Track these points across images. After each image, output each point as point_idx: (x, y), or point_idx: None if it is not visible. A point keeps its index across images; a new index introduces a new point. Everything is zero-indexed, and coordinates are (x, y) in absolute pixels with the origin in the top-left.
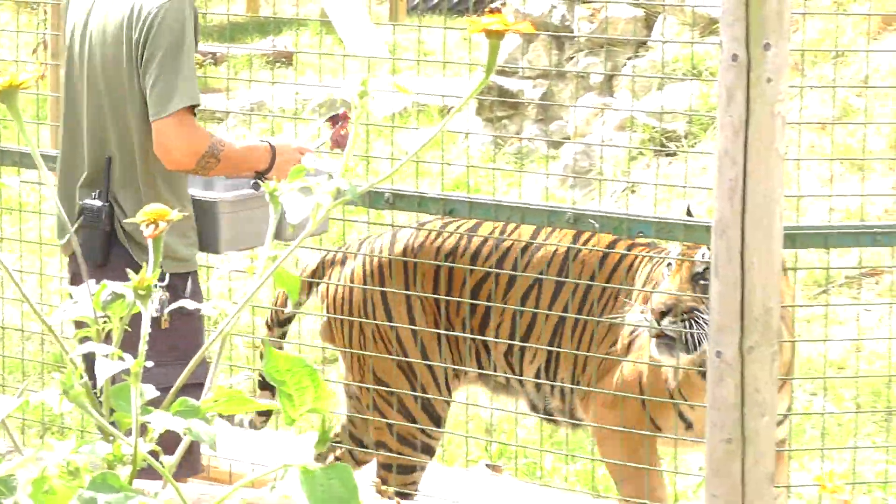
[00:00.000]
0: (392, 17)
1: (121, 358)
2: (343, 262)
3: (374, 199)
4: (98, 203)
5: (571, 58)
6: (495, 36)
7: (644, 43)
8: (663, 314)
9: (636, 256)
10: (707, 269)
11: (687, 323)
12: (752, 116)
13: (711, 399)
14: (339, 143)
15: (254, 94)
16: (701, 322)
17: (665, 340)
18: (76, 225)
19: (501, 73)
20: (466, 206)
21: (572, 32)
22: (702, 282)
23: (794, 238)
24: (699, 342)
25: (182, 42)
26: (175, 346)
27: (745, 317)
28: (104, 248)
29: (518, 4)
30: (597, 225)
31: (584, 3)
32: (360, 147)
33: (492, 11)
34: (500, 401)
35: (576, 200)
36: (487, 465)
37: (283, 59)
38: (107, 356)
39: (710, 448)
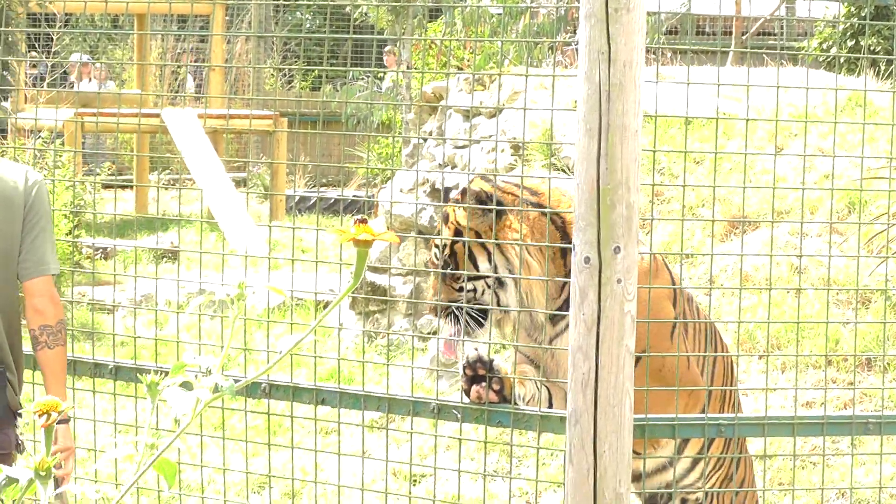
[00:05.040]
0: (272, 216)
1: None
2: None
3: (251, 389)
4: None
5: None
6: (363, 245)
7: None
8: None
9: None
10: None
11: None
12: (604, 314)
13: None
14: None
15: (140, 286)
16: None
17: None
18: None
19: (374, 269)
20: (337, 396)
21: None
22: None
23: (644, 428)
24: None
25: (51, 214)
26: None
27: (597, 502)
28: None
29: (388, 206)
30: (459, 415)
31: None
32: (240, 339)
33: (359, 222)
34: None
35: (442, 391)
36: None
37: (169, 255)
38: None
39: None
